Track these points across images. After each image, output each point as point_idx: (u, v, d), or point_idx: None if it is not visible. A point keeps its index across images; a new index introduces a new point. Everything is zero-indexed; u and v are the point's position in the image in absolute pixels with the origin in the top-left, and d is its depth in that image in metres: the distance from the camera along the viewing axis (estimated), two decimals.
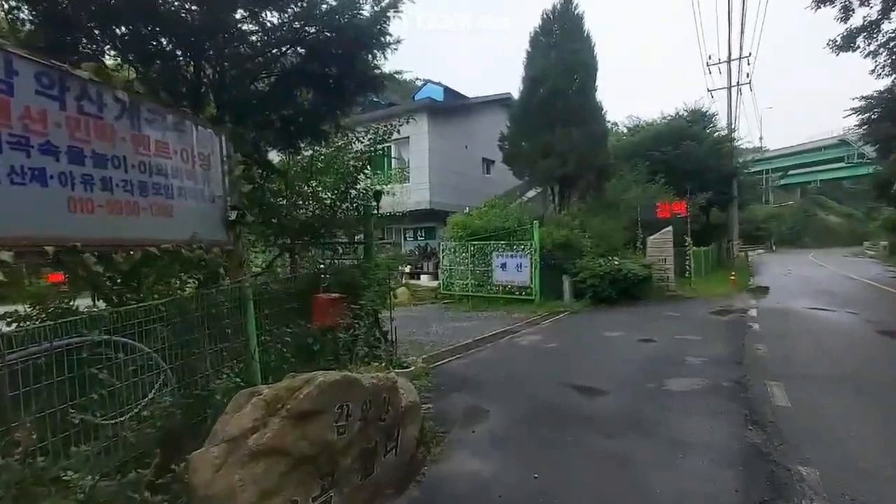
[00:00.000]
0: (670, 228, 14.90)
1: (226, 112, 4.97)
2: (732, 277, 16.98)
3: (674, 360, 7.02)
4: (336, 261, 7.36)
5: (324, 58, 4.98)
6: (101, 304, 3.99)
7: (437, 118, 18.91)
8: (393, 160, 20.06)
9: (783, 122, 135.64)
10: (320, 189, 6.26)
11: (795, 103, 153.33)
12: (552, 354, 7.83)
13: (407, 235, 21.55)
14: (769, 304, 13.02)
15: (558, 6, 18.72)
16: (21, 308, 3.54)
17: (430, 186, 18.41)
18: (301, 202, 6.35)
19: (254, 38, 4.87)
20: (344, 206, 6.44)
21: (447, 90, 21.92)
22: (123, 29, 4.22)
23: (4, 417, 2.47)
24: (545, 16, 18.88)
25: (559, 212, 17.74)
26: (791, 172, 69.41)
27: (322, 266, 6.06)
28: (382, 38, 5.06)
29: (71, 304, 3.91)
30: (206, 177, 3.98)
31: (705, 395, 5.45)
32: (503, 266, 13.57)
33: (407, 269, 19.60)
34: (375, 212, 6.99)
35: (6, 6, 4.14)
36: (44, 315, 3.54)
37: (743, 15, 51.99)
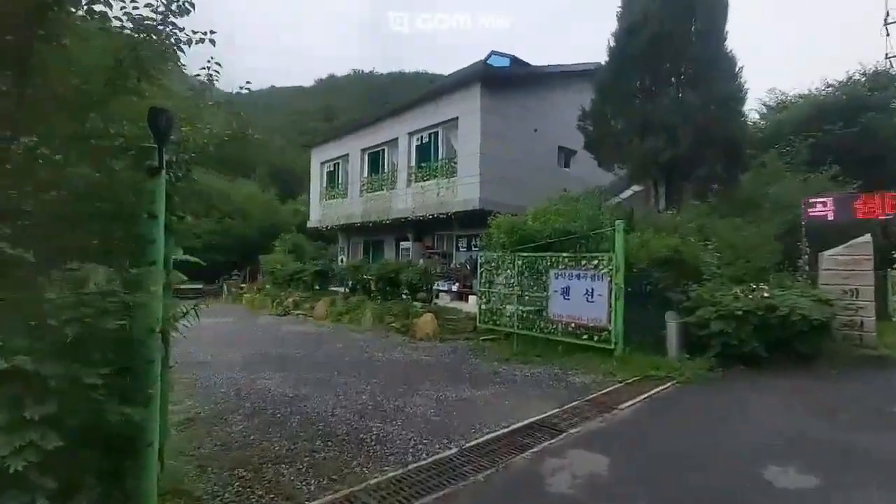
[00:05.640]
0: (868, 239, 8.69)
1: None
2: None
3: None
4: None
5: None
6: None
7: (494, 92, 14.43)
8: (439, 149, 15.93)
9: None
10: None
11: None
12: None
13: (460, 245, 17.24)
14: None
15: None
16: None
17: (482, 180, 13.92)
18: None
19: None
20: None
21: (516, 62, 17.27)
22: None
23: None
24: None
25: (665, 212, 12.22)
26: None
27: None
28: None
29: None
30: None
31: None
32: (565, 292, 8.64)
33: (454, 288, 15.33)
34: (171, 159, 2.82)
35: None
36: None
37: None
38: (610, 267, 7.96)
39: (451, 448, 4.42)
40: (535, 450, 4.35)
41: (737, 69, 12.59)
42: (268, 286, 20.00)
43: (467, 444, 4.49)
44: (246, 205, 30.46)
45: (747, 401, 6.04)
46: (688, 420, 5.29)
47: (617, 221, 8.09)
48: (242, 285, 22.94)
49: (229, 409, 5.82)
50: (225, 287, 23.59)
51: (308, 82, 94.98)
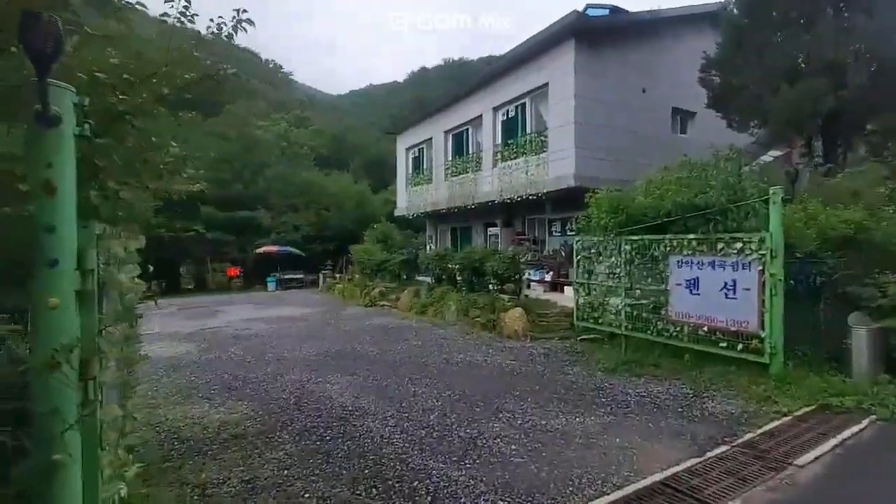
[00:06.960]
0: None
1: None
2: None
3: None
4: None
5: None
6: None
7: (591, 48, 12.30)
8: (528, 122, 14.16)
9: None
10: None
11: None
12: None
13: (553, 229, 15.40)
14: None
15: None
16: None
17: (577, 154, 11.97)
18: None
19: None
20: None
21: (616, 12, 14.70)
22: None
23: None
24: None
25: (827, 177, 9.37)
26: None
27: None
28: None
29: None
30: None
31: None
32: (692, 284, 6.64)
33: (547, 278, 13.69)
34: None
35: None
36: None
37: None
38: (761, 251, 5.83)
39: None
40: None
41: None
42: (356, 276, 19.95)
43: None
44: (340, 196, 31.23)
45: None
46: None
47: (772, 189, 5.89)
48: (336, 276, 23.34)
49: (281, 423, 5.04)
50: (320, 277, 24.26)
51: (401, 77, 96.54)
